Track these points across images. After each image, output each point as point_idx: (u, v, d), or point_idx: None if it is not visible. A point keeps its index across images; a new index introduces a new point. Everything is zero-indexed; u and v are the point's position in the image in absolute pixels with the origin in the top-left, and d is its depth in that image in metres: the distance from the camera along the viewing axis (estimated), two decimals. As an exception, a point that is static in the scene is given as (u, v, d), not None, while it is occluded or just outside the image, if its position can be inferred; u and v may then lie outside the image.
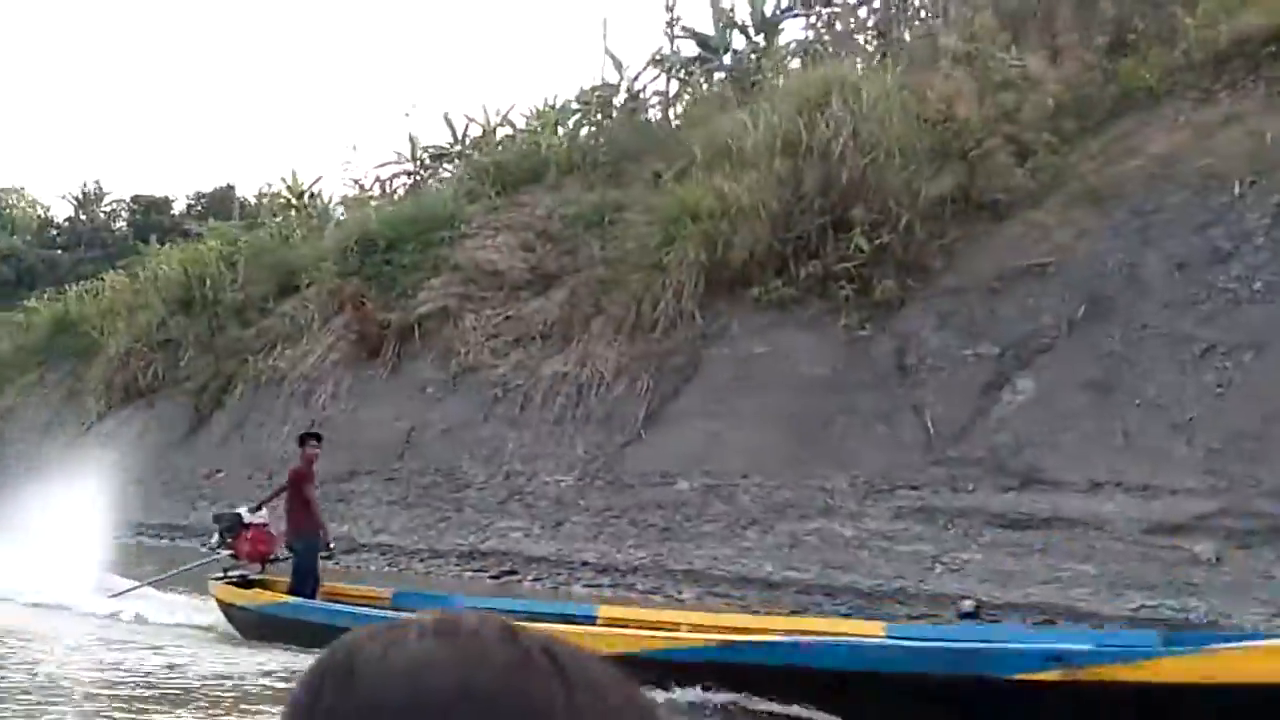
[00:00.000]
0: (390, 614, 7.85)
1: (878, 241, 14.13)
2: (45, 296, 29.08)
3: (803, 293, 14.40)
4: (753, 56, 25.78)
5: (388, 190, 30.25)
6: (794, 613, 10.56)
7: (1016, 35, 16.37)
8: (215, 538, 10.85)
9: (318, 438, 11.01)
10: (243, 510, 10.69)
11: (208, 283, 22.96)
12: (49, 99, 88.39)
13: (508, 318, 17.94)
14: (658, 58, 26.99)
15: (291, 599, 9.65)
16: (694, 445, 13.62)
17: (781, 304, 14.48)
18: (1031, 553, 10.20)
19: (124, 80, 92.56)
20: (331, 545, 10.82)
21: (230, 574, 10.40)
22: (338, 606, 9.43)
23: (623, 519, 13.37)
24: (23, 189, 59.84)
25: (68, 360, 24.30)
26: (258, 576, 10.40)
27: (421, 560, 14.21)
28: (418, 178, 30.75)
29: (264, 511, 10.66)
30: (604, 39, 36.09)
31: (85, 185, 55.66)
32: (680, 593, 11.51)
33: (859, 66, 17.41)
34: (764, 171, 15.24)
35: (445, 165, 30.41)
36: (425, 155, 31.27)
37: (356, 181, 30.34)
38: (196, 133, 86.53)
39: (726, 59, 26.85)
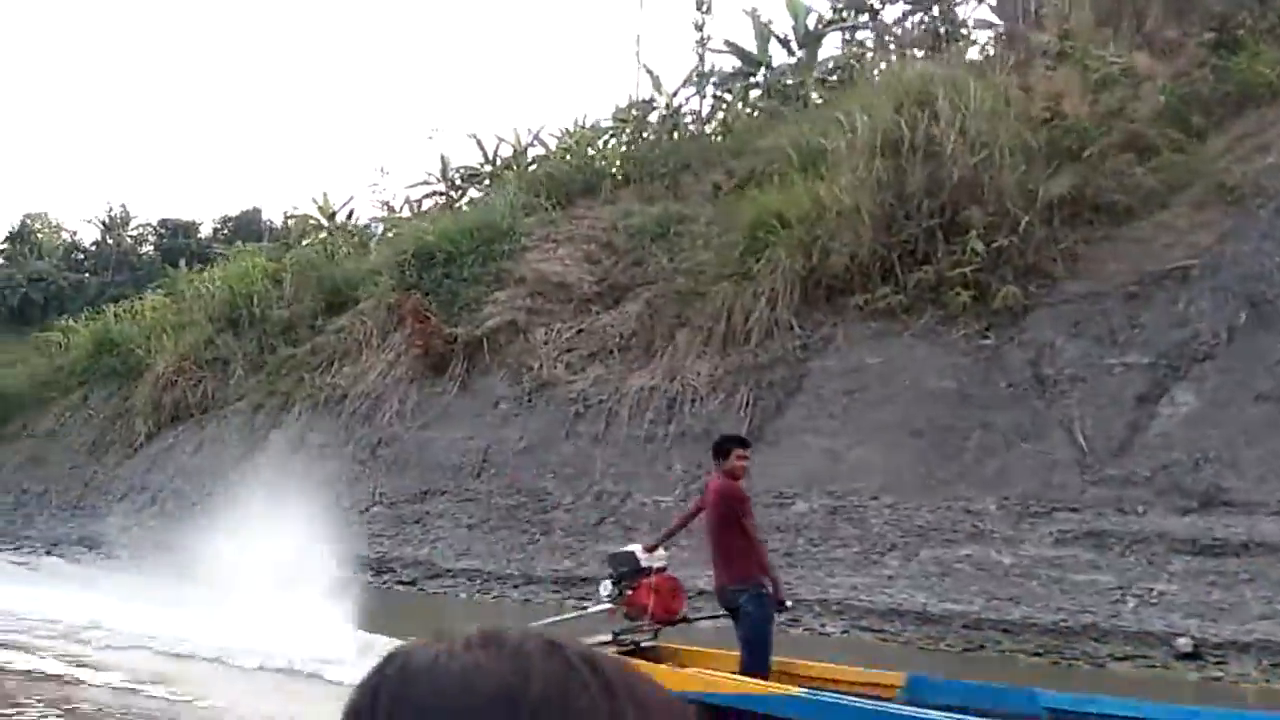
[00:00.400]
0: (913, 714, 5.42)
1: (994, 244, 12.65)
2: (84, 317, 27.35)
3: (913, 300, 12.89)
4: (791, 71, 24.52)
5: (417, 211, 28.86)
6: (966, 650, 9.02)
7: (1115, 32, 14.97)
8: (607, 587, 7.24)
9: (745, 443, 7.01)
10: (636, 549, 7.39)
11: (255, 300, 21.40)
12: (72, 124, 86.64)
13: (580, 331, 16.39)
14: (698, 73, 25.64)
15: (752, 683, 6.02)
16: (808, 463, 12.06)
17: (890, 312, 12.97)
18: (1237, 582, 8.66)
19: (148, 104, 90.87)
20: (788, 603, 6.90)
21: (622, 638, 6.97)
22: (835, 700, 5.72)
23: (736, 543, 11.77)
24: (46, 213, 57.91)
25: (112, 380, 22.57)
26: (649, 643, 7.07)
27: (515, 586, 12.59)
28: (449, 197, 29.38)
29: (662, 551, 7.35)
30: (637, 55, 34.81)
31: (111, 209, 53.87)
32: (823, 626, 9.93)
33: (947, 64, 15.91)
34: (862, 173, 13.75)
35: (476, 185, 29.10)
36: (456, 175, 29.90)
37: (386, 203, 29.02)
38: (221, 156, 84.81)
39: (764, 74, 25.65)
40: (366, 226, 28.38)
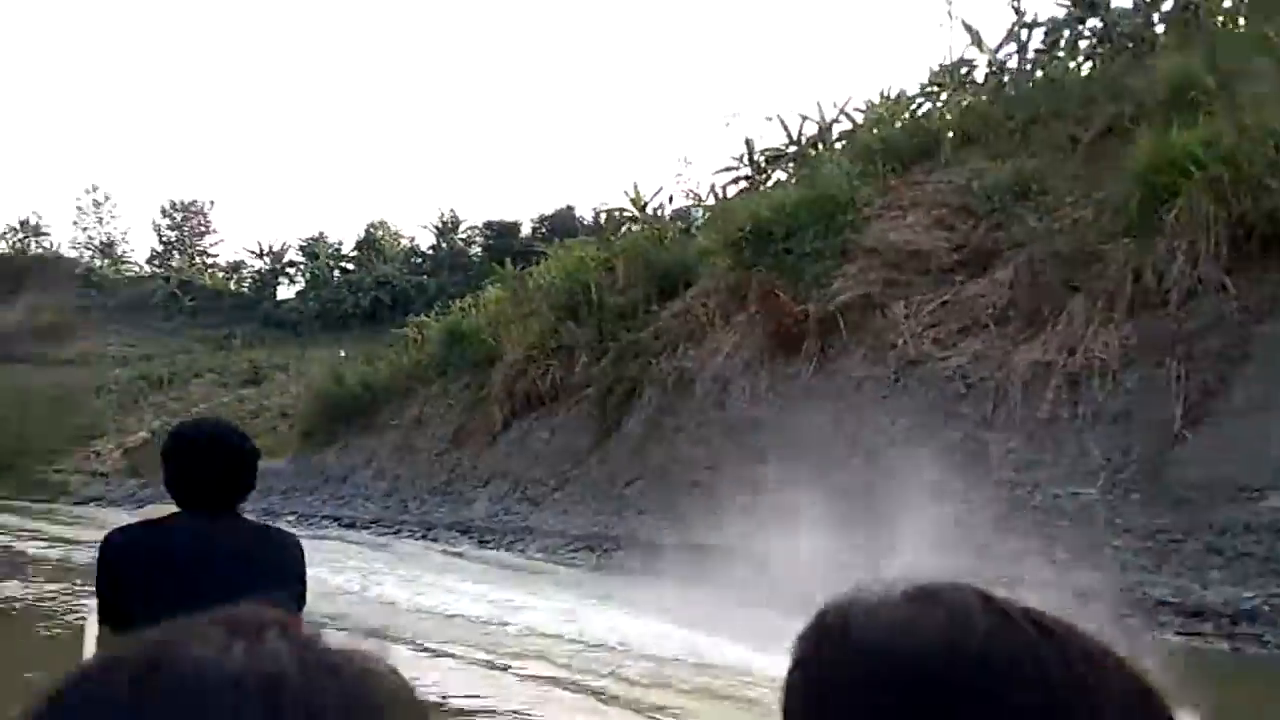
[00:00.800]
0: None
1: None
2: (432, 314, 27.95)
3: (1394, 245, 9.93)
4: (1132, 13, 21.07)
5: (722, 197, 27.53)
6: None
7: None
8: None
9: None
10: None
11: (591, 288, 20.67)
12: (406, 140, 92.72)
13: (944, 303, 14.24)
14: (1021, 24, 22.65)
15: None
16: (1274, 449, 9.44)
17: (1361, 261, 10.07)
18: None
19: (470, 116, 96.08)
20: None
21: None
22: None
23: (1189, 543, 9.39)
24: (386, 222, 61.19)
25: (466, 371, 22.64)
26: None
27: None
28: (754, 180, 27.82)
29: None
30: (949, 13, 31.91)
31: (442, 214, 56.24)
32: (1359, 658, 7.48)
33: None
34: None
35: (782, 166, 27.37)
36: (761, 158, 28.27)
37: (692, 191, 27.88)
38: (535, 160, 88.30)
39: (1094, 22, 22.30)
40: (685, 212, 27.35)
